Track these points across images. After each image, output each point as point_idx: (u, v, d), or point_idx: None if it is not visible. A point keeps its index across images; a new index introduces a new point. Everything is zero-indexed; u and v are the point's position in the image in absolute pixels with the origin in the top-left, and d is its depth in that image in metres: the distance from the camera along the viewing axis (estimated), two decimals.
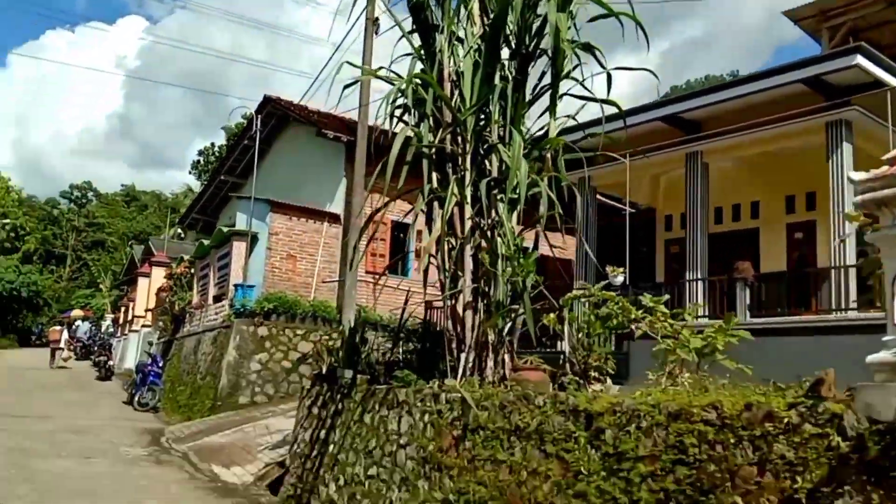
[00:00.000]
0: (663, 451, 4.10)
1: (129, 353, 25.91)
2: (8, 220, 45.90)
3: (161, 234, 50.93)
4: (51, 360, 26.53)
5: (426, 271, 7.16)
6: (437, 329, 9.94)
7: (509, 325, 6.93)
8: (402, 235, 18.31)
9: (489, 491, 5.32)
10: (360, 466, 7.58)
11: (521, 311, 6.82)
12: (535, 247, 6.98)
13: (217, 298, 17.31)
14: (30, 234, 50.67)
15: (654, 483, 4.10)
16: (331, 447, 8.61)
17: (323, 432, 9.00)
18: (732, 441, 3.75)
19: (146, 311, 25.24)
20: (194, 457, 11.08)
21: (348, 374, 9.15)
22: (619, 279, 12.64)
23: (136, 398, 16.70)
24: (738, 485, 3.67)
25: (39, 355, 28.92)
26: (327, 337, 15.81)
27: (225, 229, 16.53)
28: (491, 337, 6.75)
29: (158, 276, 25.00)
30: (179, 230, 21.83)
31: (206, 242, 18.09)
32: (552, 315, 6.42)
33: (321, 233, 16.97)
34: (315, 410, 9.61)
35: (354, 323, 10.30)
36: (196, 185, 56.21)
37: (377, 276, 17.77)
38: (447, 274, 6.90)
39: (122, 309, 34.39)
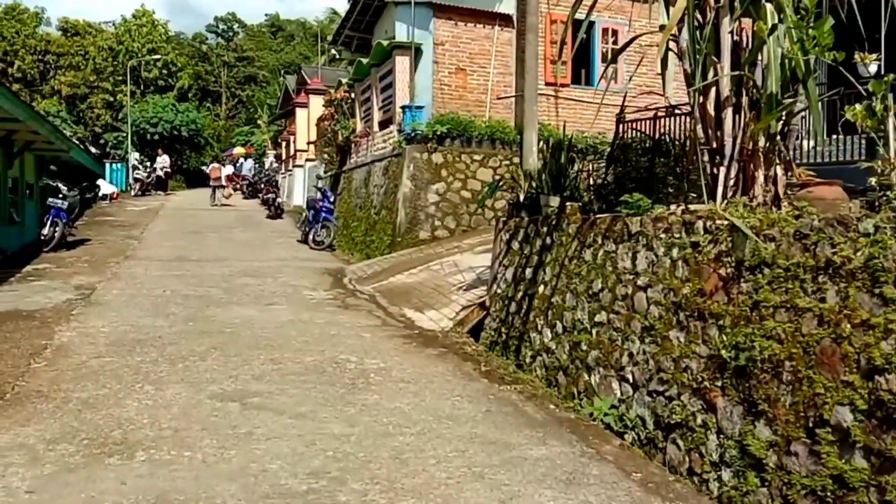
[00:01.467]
0: None
1: (296, 188, 26.70)
2: (158, 56, 47.86)
3: (312, 62, 51.42)
4: (211, 197, 27.75)
5: (664, 61, 5.81)
6: (662, 141, 8.67)
7: (781, 127, 5.56)
8: (584, 37, 16.61)
9: (786, 348, 4.30)
10: (583, 311, 6.81)
11: (802, 104, 5.43)
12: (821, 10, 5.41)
13: (383, 124, 16.80)
14: (182, 69, 52.84)
15: None
16: (540, 288, 7.91)
17: (529, 271, 8.30)
18: None
19: (308, 143, 25.57)
20: (382, 299, 10.93)
21: (554, 201, 8.25)
22: (873, 68, 10.72)
23: (311, 236, 17.02)
24: None
25: (206, 195, 30.56)
26: (507, 162, 15.00)
27: (385, 43, 15.62)
28: (761, 143, 5.45)
29: (317, 105, 25.01)
30: (333, 51, 21.29)
31: (364, 61, 17.37)
32: (858, 106, 4.96)
33: (492, 39, 15.64)
34: (515, 245, 8.90)
35: (560, 140, 9.20)
36: (342, 7, 55.46)
37: (558, 89, 16.47)
38: (696, 60, 5.54)
39: (283, 143, 35.46)
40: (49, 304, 9.53)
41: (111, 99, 49.83)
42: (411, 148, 14.52)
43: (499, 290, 9.14)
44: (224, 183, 29.64)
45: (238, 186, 33.49)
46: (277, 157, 36.03)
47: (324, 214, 17.00)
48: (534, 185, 9.29)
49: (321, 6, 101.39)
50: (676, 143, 8.52)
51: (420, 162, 14.53)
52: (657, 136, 9.51)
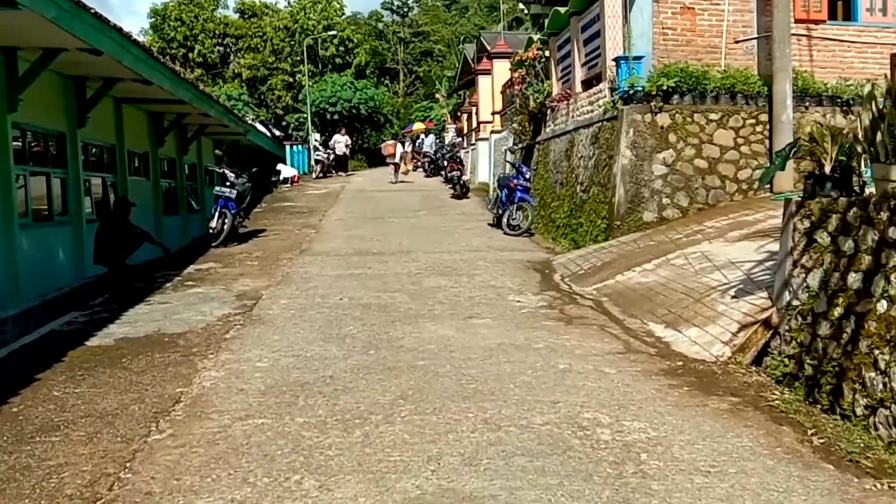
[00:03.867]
0: None
1: (480, 164, 24.54)
2: (334, 32, 47.32)
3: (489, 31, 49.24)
4: (394, 175, 27.00)
5: None
6: None
7: None
8: None
9: None
10: None
11: None
12: None
13: (587, 83, 14.07)
14: (358, 45, 52.27)
15: None
16: (880, 305, 5.09)
17: (854, 277, 5.45)
18: None
19: (493, 114, 23.29)
20: (613, 307, 8.36)
21: None
22: None
23: (505, 220, 14.68)
24: None
25: (388, 174, 29.36)
26: (752, 121, 11.92)
27: None
28: None
29: (502, 70, 22.65)
30: (521, 4, 18.83)
31: (562, 10, 14.66)
32: None
33: None
34: (824, 238, 6.06)
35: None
36: None
37: (811, 27, 13.08)
38: None
39: (464, 116, 33.48)
40: (200, 324, 7.77)
41: (290, 80, 50.16)
42: (630, 109, 11.71)
43: (796, 302, 6.29)
44: (397, 160, 28.35)
45: (420, 164, 31.91)
46: (458, 132, 34.12)
47: (519, 194, 14.58)
48: (847, 149, 6.38)
49: None
50: None
51: (641, 125, 11.70)
52: None
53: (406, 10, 75.54)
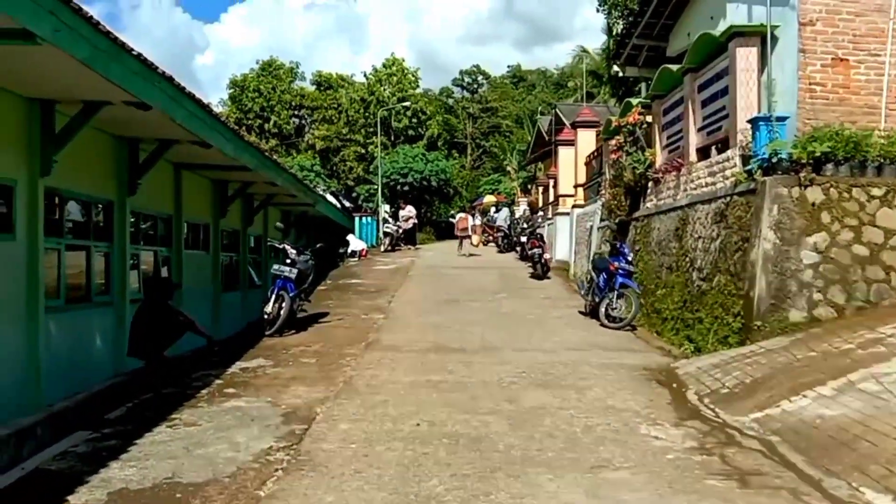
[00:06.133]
0: None
1: (559, 240, 22.17)
2: (408, 103, 46.11)
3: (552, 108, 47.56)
4: (458, 248, 26.24)
5: None
6: None
7: None
8: None
9: None
10: None
11: None
12: None
13: (704, 151, 11.71)
14: (431, 117, 51.11)
15: None
16: None
17: None
18: None
19: (575, 187, 21.01)
20: (794, 455, 5.78)
21: None
22: None
23: (603, 309, 12.18)
24: None
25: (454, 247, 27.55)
26: None
27: (716, 32, 10.60)
28: None
29: (586, 140, 20.44)
30: (616, 67, 16.86)
31: (673, 68, 12.41)
32: None
33: (888, 12, 10.03)
34: None
35: None
36: (594, 44, 51.21)
37: None
38: None
39: (539, 189, 31.34)
40: (228, 468, 5.47)
41: (363, 151, 49.13)
42: (773, 181, 9.24)
43: None
44: (469, 233, 27.27)
45: (492, 238, 29.70)
46: (530, 206, 31.90)
47: (620, 279, 12.10)
48: None
49: (562, 54, 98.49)
50: None
51: (788, 202, 9.19)
52: None
53: (476, 86, 75.11)
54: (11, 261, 8.98)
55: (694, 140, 11.99)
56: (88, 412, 7.19)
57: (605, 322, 12.07)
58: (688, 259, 11.60)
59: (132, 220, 12.81)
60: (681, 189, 12.36)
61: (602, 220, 17.05)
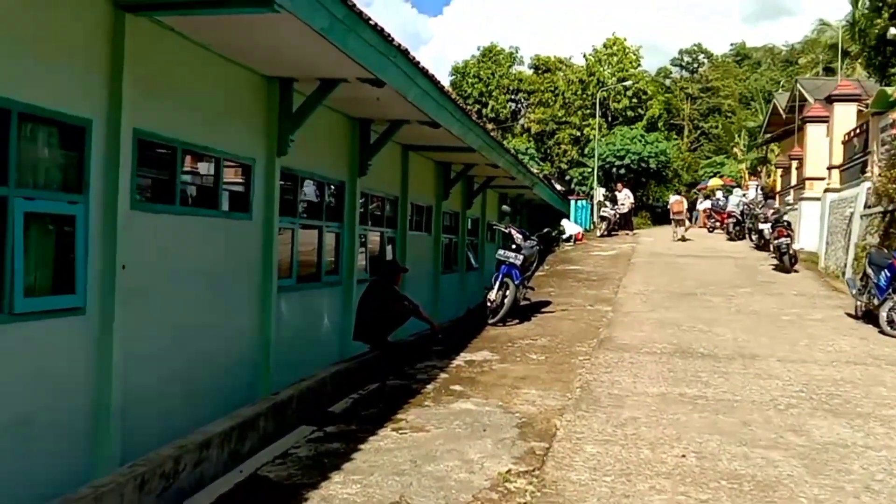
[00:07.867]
0: None
1: (805, 228, 19.45)
2: (629, 83, 43.75)
3: (783, 87, 42.90)
4: (673, 233, 25.08)
5: None
6: None
7: None
8: None
9: None
10: None
11: None
12: None
13: None
14: (652, 97, 48.29)
15: None
16: None
17: None
18: None
19: (829, 168, 18.23)
20: None
21: None
22: None
23: (885, 314, 9.99)
24: None
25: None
26: None
27: None
28: None
29: (845, 116, 17.62)
30: (893, 30, 14.24)
31: None
32: None
33: None
34: None
35: None
36: (837, 16, 45.76)
37: None
38: None
39: (779, 171, 28.13)
40: (463, 497, 4.47)
41: (578, 133, 47.55)
42: None
43: None
44: (683, 217, 26.21)
45: (719, 224, 27.08)
46: (763, 190, 28.72)
47: None
48: None
49: (796, 28, 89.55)
50: None
51: None
52: None
53: (696, 65, 70.18)
54: (248, 240, 8.81)
55: None
56: (313, 403, 6.66)
57: (887, 329, 9.90)
58: None
59: (361, 200, 12.54)
60: None
61: (867, 206, 14.46)
